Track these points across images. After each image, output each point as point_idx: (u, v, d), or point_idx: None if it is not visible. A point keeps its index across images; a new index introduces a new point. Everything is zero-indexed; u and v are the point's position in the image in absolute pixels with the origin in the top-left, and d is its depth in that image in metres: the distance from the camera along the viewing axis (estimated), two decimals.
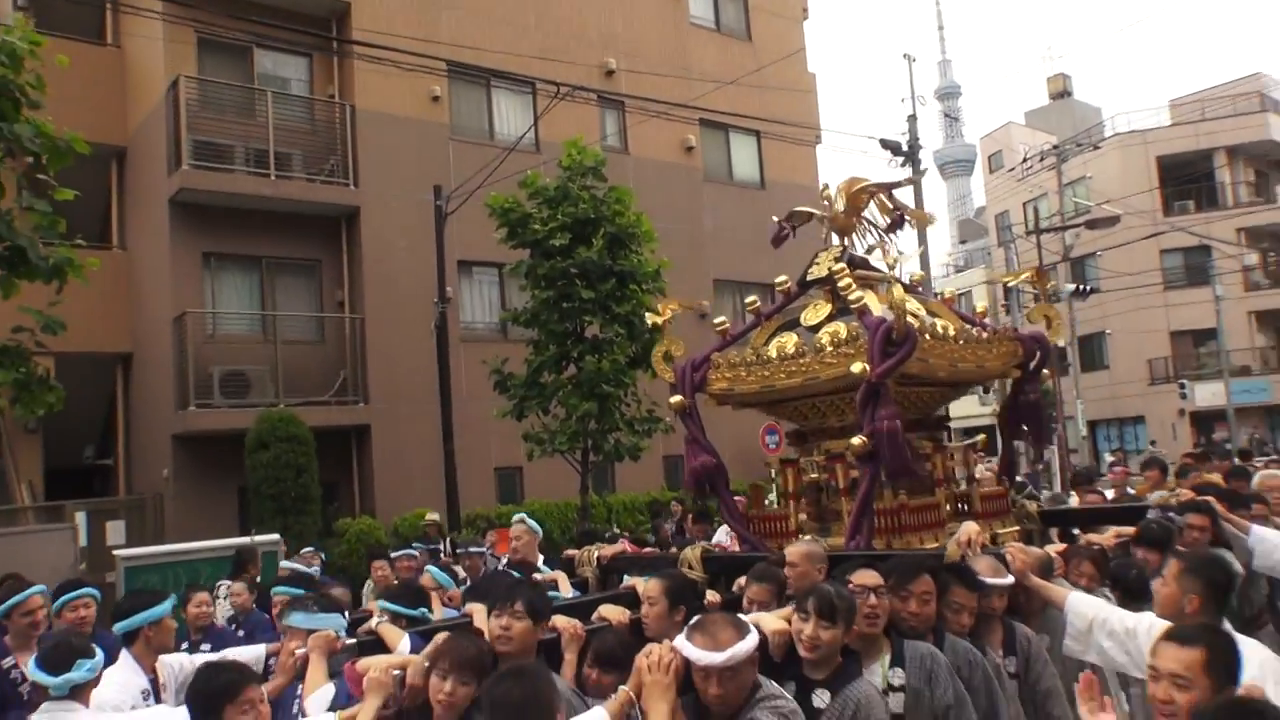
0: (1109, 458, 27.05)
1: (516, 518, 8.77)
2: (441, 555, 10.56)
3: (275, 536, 11.90)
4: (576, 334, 13.68)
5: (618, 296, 12.99)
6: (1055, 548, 5.65)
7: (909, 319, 5.49)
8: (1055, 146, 31.15)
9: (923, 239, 20.19)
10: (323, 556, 10.66)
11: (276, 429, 14.19)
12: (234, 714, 3.34)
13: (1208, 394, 34.94)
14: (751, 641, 3.35)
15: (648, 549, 9.41)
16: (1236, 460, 14.05)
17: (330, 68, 17.29)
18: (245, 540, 11.81)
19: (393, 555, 9.56)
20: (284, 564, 9.64)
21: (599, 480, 16.90)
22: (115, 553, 11.61)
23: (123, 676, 4.63)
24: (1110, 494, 10.75)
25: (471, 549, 9.83)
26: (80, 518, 13.79)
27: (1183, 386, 35.67)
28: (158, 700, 4.65)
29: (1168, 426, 35.77)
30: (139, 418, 17.17)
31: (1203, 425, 34.90)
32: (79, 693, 3.98)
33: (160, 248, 15.57)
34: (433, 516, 13.34)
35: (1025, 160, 34.42)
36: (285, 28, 16.34)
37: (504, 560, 8.25)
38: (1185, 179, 40.49)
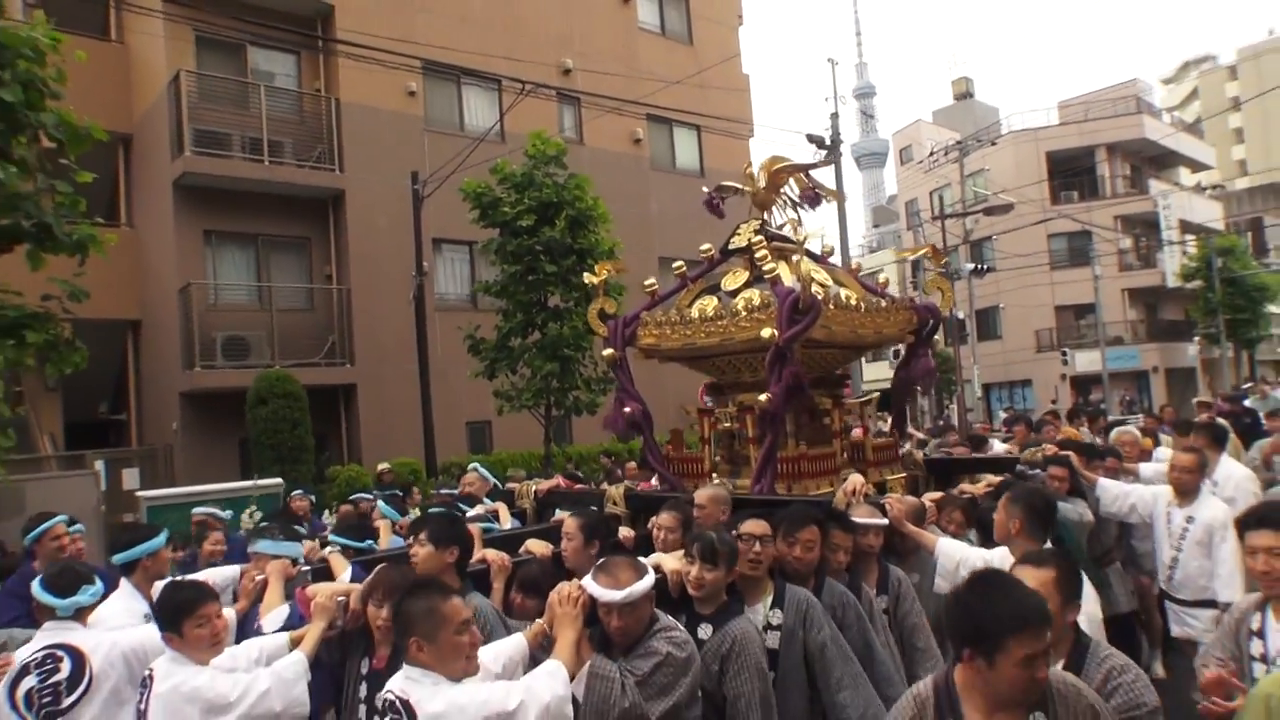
0: (1002, 414, 27.65)
1: (471, 466, 9.02)
2: (405, 497, 10.64)
3: (278, 481, 12.07)
4: (541, 304, 13.82)
5: (577, 271, 13.01)
6: (931, 496, 5.69)
7: (816, 289, 5.48)
8: (958, 142, 31.40)
9: (842, 216, 20.54)
10: (312, 499, 10.66)
11: (274, 387, 14.22)
12: (191, 626, 3.44)
13: (1086, 361, 35.42)
14: (648, 582, 3.41)
15: (580, 486, 9.27)
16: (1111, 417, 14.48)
17: (317, 64, 17.20)
18: (249, 483, 12.04)
19: (352, 498, 9.91)
20: (196, 510, 9.27)
21: (558, 433, 16.96)
22: (138, 494, 11.71)
23: (124, 603, 4.61)
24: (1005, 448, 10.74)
25: (442, 490, 9.85)
26: (99, 465, 13.86)
27: (1065, 354, 35.98)
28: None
29: (1051, 389, 36.17)
30: (149, 377, 17.08)
31: (1082, 387, 35.43)
32: (81, 614, 3.99)
33: (165, 226, 15.46)
34: (384, 465, 13.44)
35: (932, 154, 34.47)
36: (275, 27, 16.25)
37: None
38: (1070, 172, 40.87)
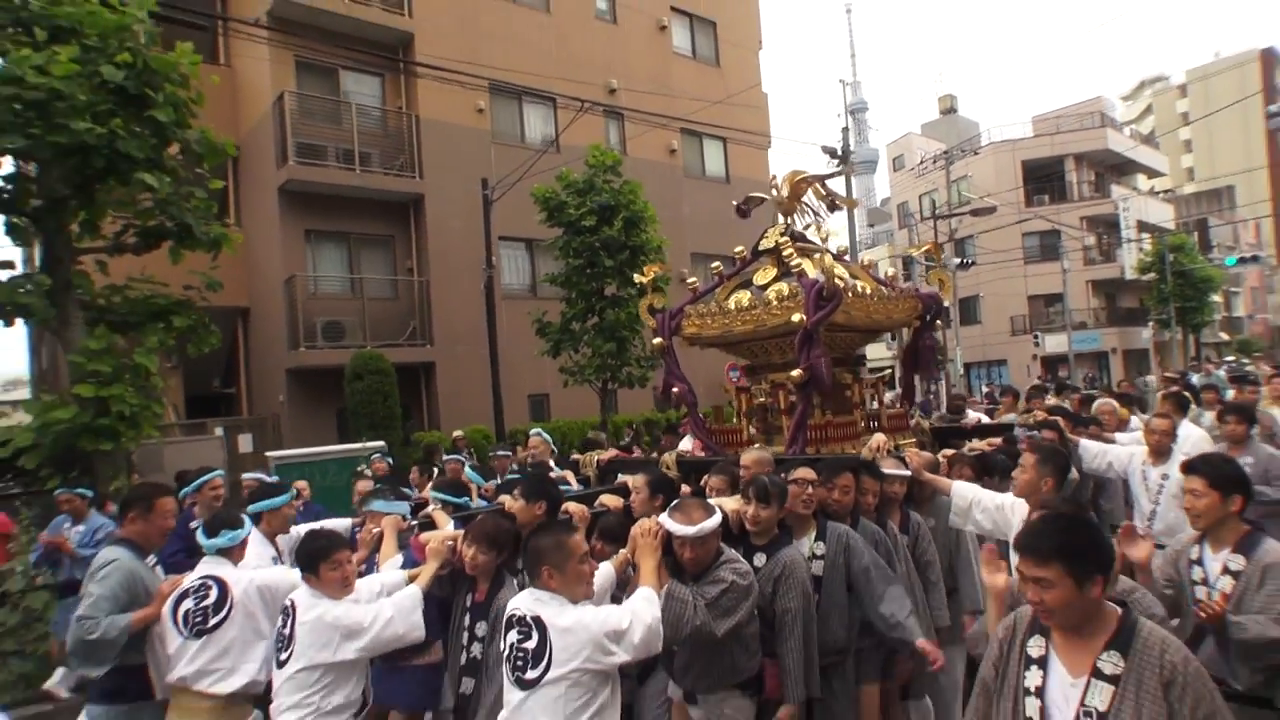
0: (984, 388, 27.59)
1: (534, 432, 9.11)
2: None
3: (381, 444, 12.18)
4: (599, 293, 13.89)
5: (631, 264, 13.11)
6: (945, 453, 5.73)
7: (836, 281, 5.53)
8: (944, 152, 31.27)
9: (851, 218, 20.52)
10: (389, 461, 10.60)
11: (367, 365, 14.35)
12: (326, 569, 3.57)
13: (1054, 343, 35.24)
14: (716, 520, 3.50)
15: (636, 453, 9.41)
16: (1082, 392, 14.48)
17: (399, 85, 17.17)
18: (359, 446, 12.17)
19: (445, 459, 9.75)
20: (246, 476, 9.01)
21: (607, 405, 17.20)
22: (268, 454, 11.85)
23: (255, 549, 4.75)
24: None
25: (500, 453, 9.95)
26: (219, 431, 14.05)
27: (1036, 337, 35.85)
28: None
29: (1024, 368, 36.09)
30: (257, 356, 17.23)
31: (1050, 366, 35.24)
32: (229, 553, 4.14)
33: (272, 225, 15.53)
34: (457, 433, 13.40)
35: (921, 162, 34.48)
36: (364, 53, 16.24)
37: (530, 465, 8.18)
38: (1042, 178, 40.58)
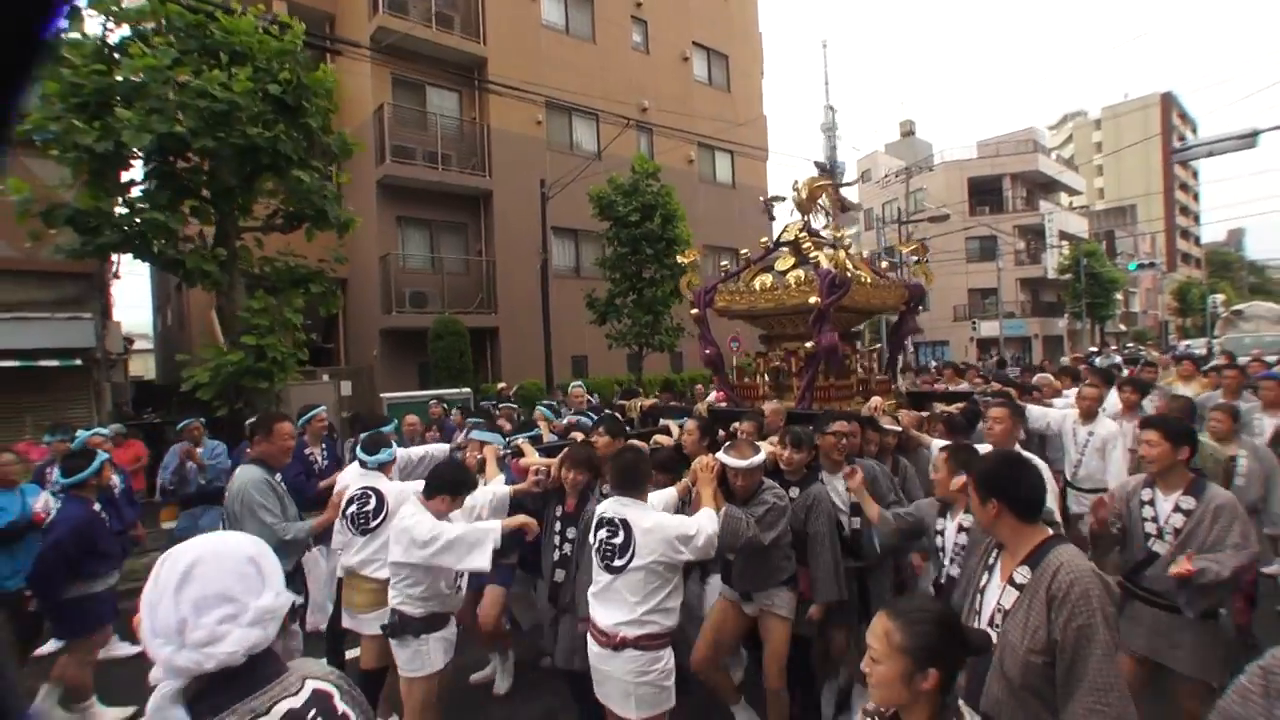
0: (933, 364, 27.83)
1: (574, 384, 9.21)
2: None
3: (467, 390, 12.52)
4: (639, 274, 14.08)
5: (667, 253, 13.34)
6: (923, 414, 5.75)
7: (846, 272, 5.62)
8: (905, 169, 31.33)
9: (855, 221, 20.69)
10: (445, 405, 10.05)
11: (447, 328, 14.55)
12: (445, 502, 3.53)
13: (988, 328, 35.27)
14: (761, 457, 3.66)
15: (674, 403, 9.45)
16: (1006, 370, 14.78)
17: (473, 99, 17.17)
18: (450, 391, 12.42)
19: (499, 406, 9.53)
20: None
21: (633, 366, 17.54)
22: (382, 395, 12.18)
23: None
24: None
25: (544, 402, 9.89)
26: (325, 378, 14.41)
27: (974, 324, 36.14)
28: None
29: (963, 348, 36.18)
30: (353, 319, 17.28)
31: (984, 347, 35.48)
32: (384, 469, 4.28)
33: (370, 213, 15.41)
34: (501, 384, 13.62)
35: (885, 176, 34.42)
36: (446, 73, 16.30)
37: (573, 410, 8.04)
38: (984, 192, 40.49)
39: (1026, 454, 2.79)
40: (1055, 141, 65.01)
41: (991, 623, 2.22)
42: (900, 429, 4.92)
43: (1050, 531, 2.25)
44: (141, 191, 8.50)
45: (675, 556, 3.06)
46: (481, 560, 3.34)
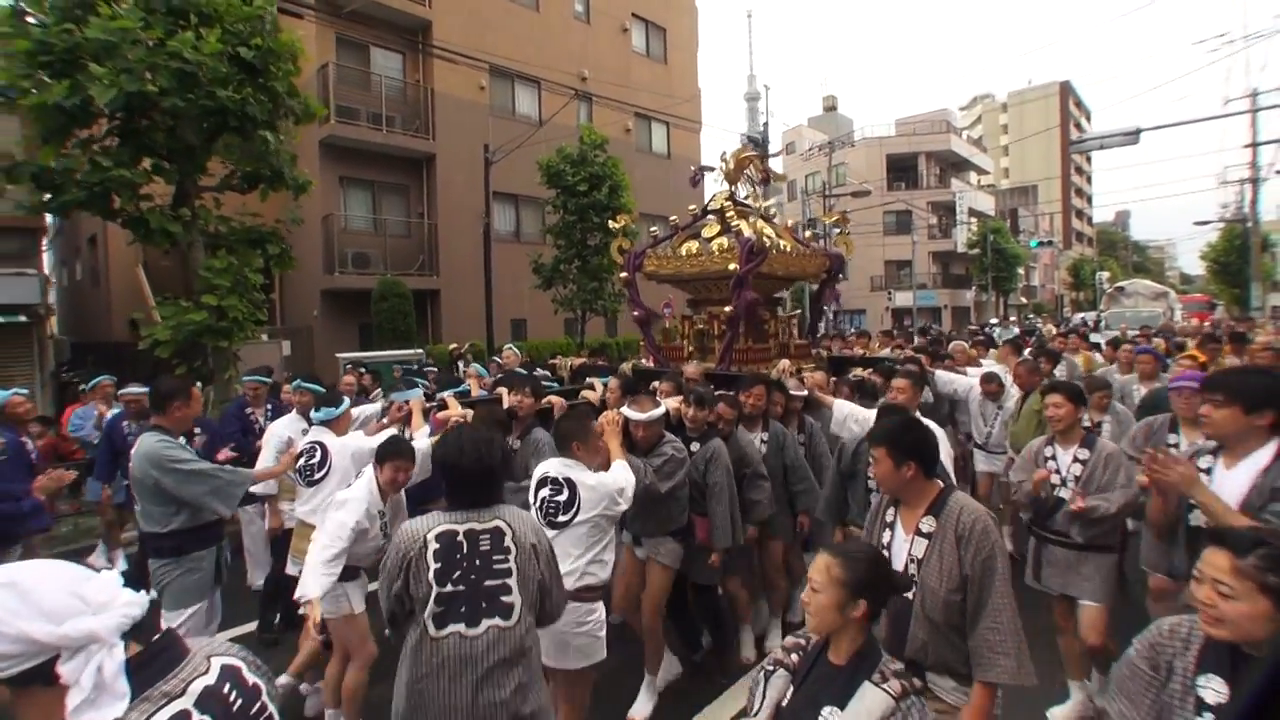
0: (851, 331, 29.09)
1: (507, 346, 9.52)
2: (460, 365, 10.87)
3: (419, 351, 12.75)
4: (584, 242, 14.51)
5: (614, 221, 13.83)
6: (830, 378, 5.80)
7: (764, 239, 5.76)
8: (828, 142, 32.33)
9: (779, 192, 21.48)
10: (362, 370, 9.40)
11: (391, 289, 14.71)
12: (396, 470, 3.59)
13: (903, 298, 36.87)
14: (660, 411, 3.86)
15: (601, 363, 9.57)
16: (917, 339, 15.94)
17: (418, 62, 17.12)
18: (405, 353, 12.67)
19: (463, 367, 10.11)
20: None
21: (574, 328, 17.97)
22: (338, 355, 12.30)
23: (289, 421, 5.07)
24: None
25: (495, 358, 10.17)
26: (264, 336, 14.32)
27: (889, 294, 37.61)
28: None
29: (878, 316, 37.49)
30: (293, 278, 16.88)
31: (898, 316, 36.84)
32: (331, 425, 4.34)
33: (313, 173, 15.12)
34: (453, 345, 13.49)
35: (810, 150, 35.35)
36: (391, 35, 16.27)
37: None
38: (900, 169, 41.97)
39: (923, 419, 3.07)
40: (965, 122, 67.58)
41: (905, 572, 2.35)
42: (804, 392, 5.09)
43: (942, 484, 2.46)
44: (101, 149, 8.51)
45: (614, 509, 3.25)
46: (310, 589, 3.20)
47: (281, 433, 4.91)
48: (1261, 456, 2.73)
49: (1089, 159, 75.51)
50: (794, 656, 1.98)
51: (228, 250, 9.63)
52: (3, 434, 4.84)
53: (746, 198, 6.66)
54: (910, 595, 2.31)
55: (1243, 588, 1.62)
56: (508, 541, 2.41)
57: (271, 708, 1.40)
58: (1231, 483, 2.75)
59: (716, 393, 4.47)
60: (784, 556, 4.74)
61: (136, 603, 1.21)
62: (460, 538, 2.37)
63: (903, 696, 1.79)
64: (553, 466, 3.30)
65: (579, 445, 3.30)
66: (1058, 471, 3.70)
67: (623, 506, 3.28)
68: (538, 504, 3.24)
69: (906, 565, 2.36)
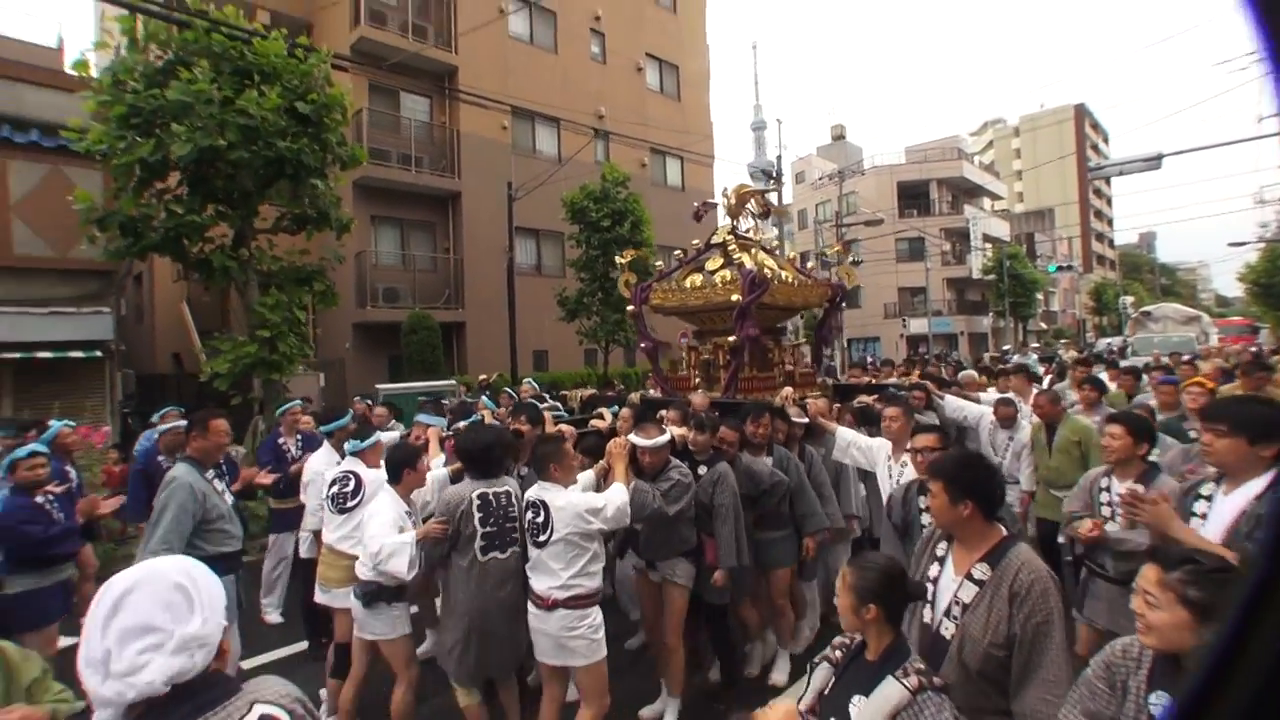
0: (869, 358, 29.70)
1: (526, 380, 10.33)
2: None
3: (453, 381, 13.58)
4: (607, 275, 15.19)
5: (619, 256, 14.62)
6: (834, 406, 5.86)
7: (766, 271, 5.97)
8: (838, 171, 32.71)
9: (782, 222, 22.41)
10: (368, 403, 10.43)
11: (420, 322, 15.50)
12: (408, 473, 3.93)
13: (917, 325, 37.14)
14: (666, 437, 4.05)
15: (610, 393, 10.09)
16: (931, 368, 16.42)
17: (444, 106, 18.18)
18: (440, 383, 13.51)
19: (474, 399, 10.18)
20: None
21: (594, 359, 18.73)
22: (379, 386, 13.18)
23: (324, 455, 5.27)
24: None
25: (506, 390, 11.00)
26: (301, 369, 15.18)
27: (904, 321, 37.88)
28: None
29: (893, 344, 37.98)
30: (329, 312, 17.70)
31: (913, 343, 37.19)
32: (362, 455, 4.59)
33: (348, 212, 16.54)
34: (482, 377, 14.30)
35: (820, 179, 36.04)
36: (419, 80, 17.31)
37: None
38: (912, 196, 42.46)
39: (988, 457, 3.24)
40: (976, 147, 68.42)
41: (948, 613, 2.35)
42: (805, 419, 5.23)
43: (1005, 531, 2.41)
44: (174, 198, 9.54)
45: (587, 527, 3.46)
46: (400, 565, 3.55)
47: (319, 468, 5.11)
48: (1256, 484, 2.76)
49: (1108, 180, 76.27)
50: (837, 653, 2.19)
51: (278, 288, 10.56)
52: (50, 463, 4.98)
53: (748, 231, 6.92)
54: (947, 635, 2.34)
55: (1165, 598, 1.77)
56: (513, 499, 3.72)
57: None
58: (1228, 508, 2.78)
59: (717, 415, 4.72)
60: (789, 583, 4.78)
61: (154, 686, 1.24)
62: (490, 496, 3.65)
63: (919, 690, 1.92)
64: (532, 491, 3.63)
65: (555, 466, 3.59)
66: (1109, 503, 3.60)
67: (597, 525, 3.49)
68: (527, 526, 3.62)
69: (950, 606, 2.36)
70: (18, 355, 9.53)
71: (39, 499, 4.54)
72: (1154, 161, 14.45)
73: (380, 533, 3.63)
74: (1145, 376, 8.24)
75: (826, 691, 2.12)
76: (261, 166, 9.56)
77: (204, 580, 1.36)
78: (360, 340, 16.88)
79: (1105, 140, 73.65)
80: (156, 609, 1.27)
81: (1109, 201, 77.67)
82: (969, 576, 2.34)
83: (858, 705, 1.99)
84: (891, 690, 1.94)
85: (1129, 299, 53.47)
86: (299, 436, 6.62)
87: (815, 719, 2.07)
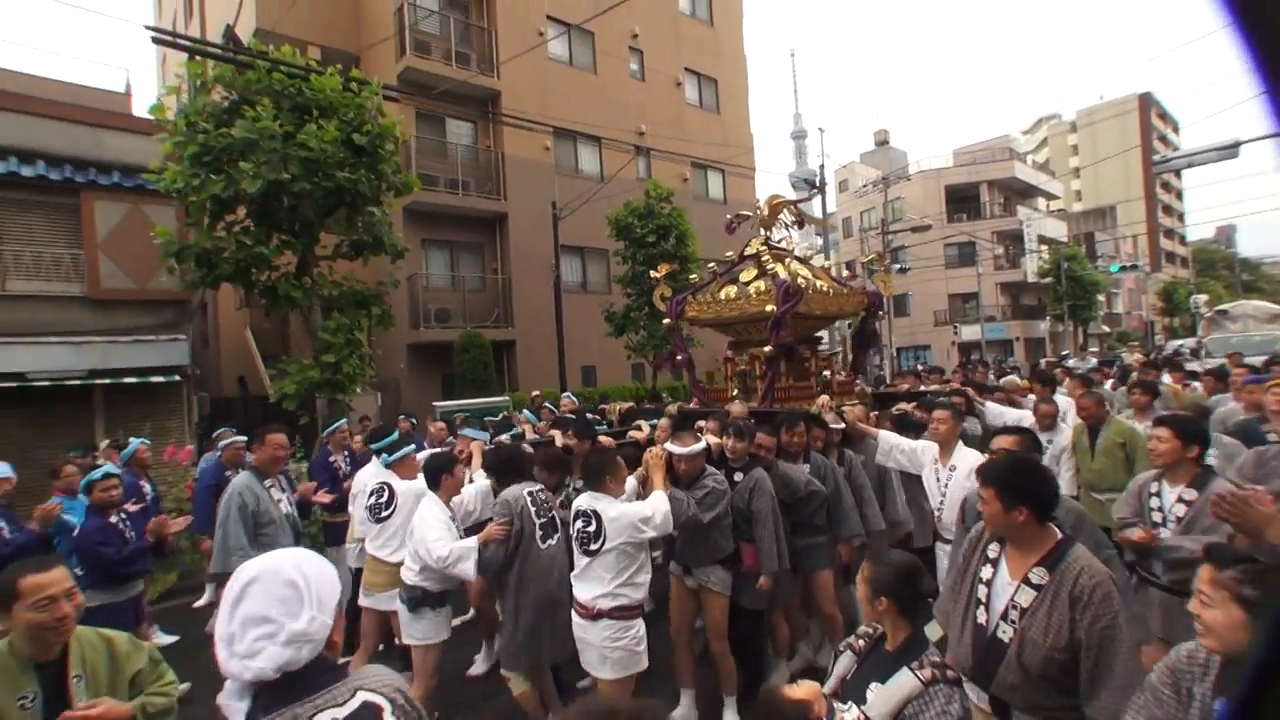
0: (920, 367, 29.44)
1: (565, 394, 10.61)
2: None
3: (506, 398, 14.05)
4: (653, 290, 15.66)
5: (681, 270, 14.86)
6: (872, 415, 6.08)
7: (800, 281, 6.03)
8: (883, 178, 32.57)
9: (825, 232, 22.61)
10: (413, 420, 10.71)
11: (472, 341, 16.05)
12: (445, 478, 4.14)
13: (969, 332, 36.82)
14: (702, 445, 4.18)
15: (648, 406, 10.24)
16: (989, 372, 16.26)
17: (488, 129, 18.83)
18: (492, 400, 14.03)
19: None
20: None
21: (640, 373, 19.14)
22: (435, 404, 13.77)
23: (372, 469, 5.23)
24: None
25: (546, 404, 11.18)
26: (358, 390, 15.85)
27: (955, 328, 37.38)
28: None
29: (945, 352, 37.29)
30: (384, 334, 18.37)
31: (966, 351, 36.04)
32: (393, 466, 4.81)
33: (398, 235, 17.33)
34: (535, 393, 14.46)
35: (864, 186, 35.94)
36: (464, 106, 18.04)
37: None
38: (961, 199, 42.13)
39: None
40: (1029, 146, 67.30)
41: (1005, 617, 2.40)
42: (841, 425, 5.31)
43: (1059, 534, 2.45)
44: (242, 230, 10.26)
45: (639, 536, 3.57)
46: (468, 568, 3.85)
47: (368, 481, 5.18)
48: None
49: (1177, 172, 73.81)
50: (861, 642, 2.32)
51: (339, 311, 11.19)
52: (125, 479, 5.31)
53: (781, 241, 6.98)
54: (1005, 638, 2.39)
55: (1219, 597, 1.78)
56: (547, 496, 4.19)
57: None
58: None
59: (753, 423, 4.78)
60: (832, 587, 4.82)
61: (272, 669, 1.37)
62: (536, 493, 4.10)
63: (931, 683, 2.01)
64: (583, 501, 3.74)
65: (610, 478, 3.73)
66: (1160, 509, 3.53)
67: (648, 533, 3.61)
68: (575, 535, 3.73)
69: (1007, 609, 2.41)
70: (108, 381, 10.31)
71: (113, 518, 4.77)
72: (1230, 150, 13.18)
73: (441, 537, 3.85)
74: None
75: (848, 677, 2.25)
76: (322, 197, 10.22)
77: (317, 578, 1.46)
78: (414, 360, 17.54)
79: (1175, 130, 70.66)
80: (271, 602, 1.38)
81: (1179, 195, 74.55)
82: (1026, 581, 2.38)
83: (874, 692, 2.10)
84: (905, 680, 2.05)
85: (1201, 298, 51.56)
86: (347, 453, 7.04)
87: (846, 704, 2.16)
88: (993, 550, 2.55)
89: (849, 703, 2.11)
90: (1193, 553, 3.13)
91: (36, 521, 4.83)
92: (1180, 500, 3.44)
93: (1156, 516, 3.51)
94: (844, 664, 2.31)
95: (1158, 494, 3.55)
